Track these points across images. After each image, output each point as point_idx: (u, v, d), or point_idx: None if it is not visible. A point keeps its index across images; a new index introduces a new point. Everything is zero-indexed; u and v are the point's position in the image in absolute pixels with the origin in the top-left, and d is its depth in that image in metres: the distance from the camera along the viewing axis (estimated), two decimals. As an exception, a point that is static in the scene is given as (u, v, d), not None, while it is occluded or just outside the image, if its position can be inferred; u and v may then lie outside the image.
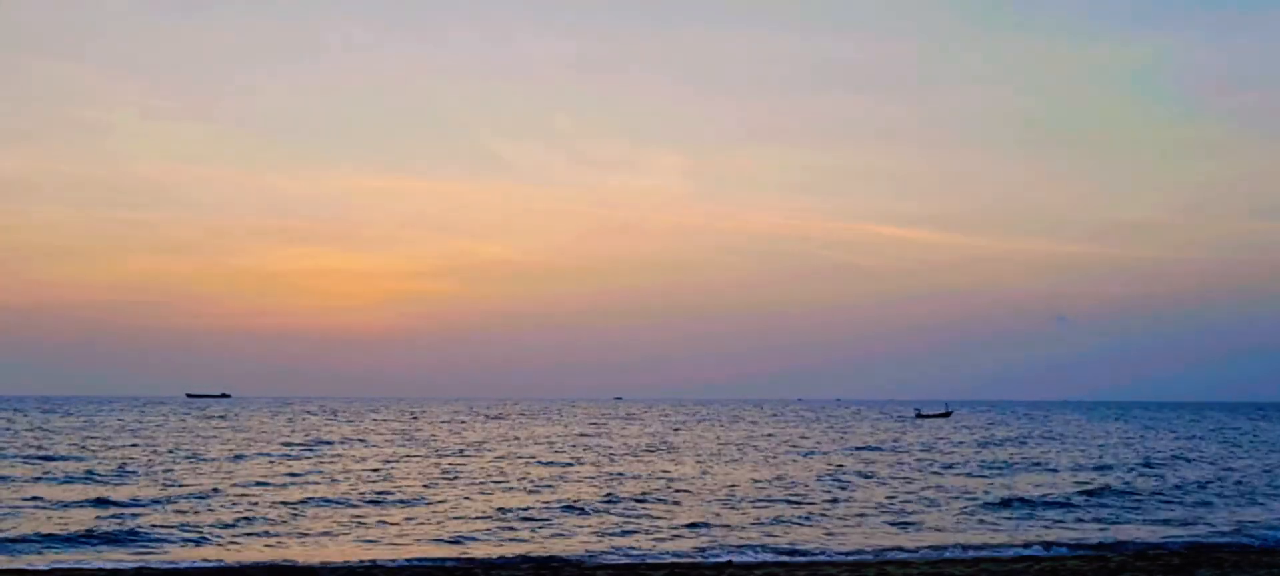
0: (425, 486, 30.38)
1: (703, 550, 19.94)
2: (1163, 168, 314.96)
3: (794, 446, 53.96)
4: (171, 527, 21.43)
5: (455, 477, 33.44)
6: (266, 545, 19.91)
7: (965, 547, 20.58)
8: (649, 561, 18.41)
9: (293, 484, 30.63)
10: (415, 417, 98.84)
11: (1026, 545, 20.98)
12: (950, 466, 40.05)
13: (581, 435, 65.37)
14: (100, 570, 16.87)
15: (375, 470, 35.98)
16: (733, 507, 26.10)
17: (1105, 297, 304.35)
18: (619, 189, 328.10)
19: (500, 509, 25.35)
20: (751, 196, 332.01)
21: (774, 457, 44.96)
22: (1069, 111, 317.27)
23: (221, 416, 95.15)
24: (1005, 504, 27.53)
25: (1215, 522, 25.05)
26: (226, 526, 21.78)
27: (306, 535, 21.05)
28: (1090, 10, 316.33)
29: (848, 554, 19.68)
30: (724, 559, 18.90)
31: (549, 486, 31.02)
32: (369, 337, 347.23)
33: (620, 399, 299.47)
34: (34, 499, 26.00)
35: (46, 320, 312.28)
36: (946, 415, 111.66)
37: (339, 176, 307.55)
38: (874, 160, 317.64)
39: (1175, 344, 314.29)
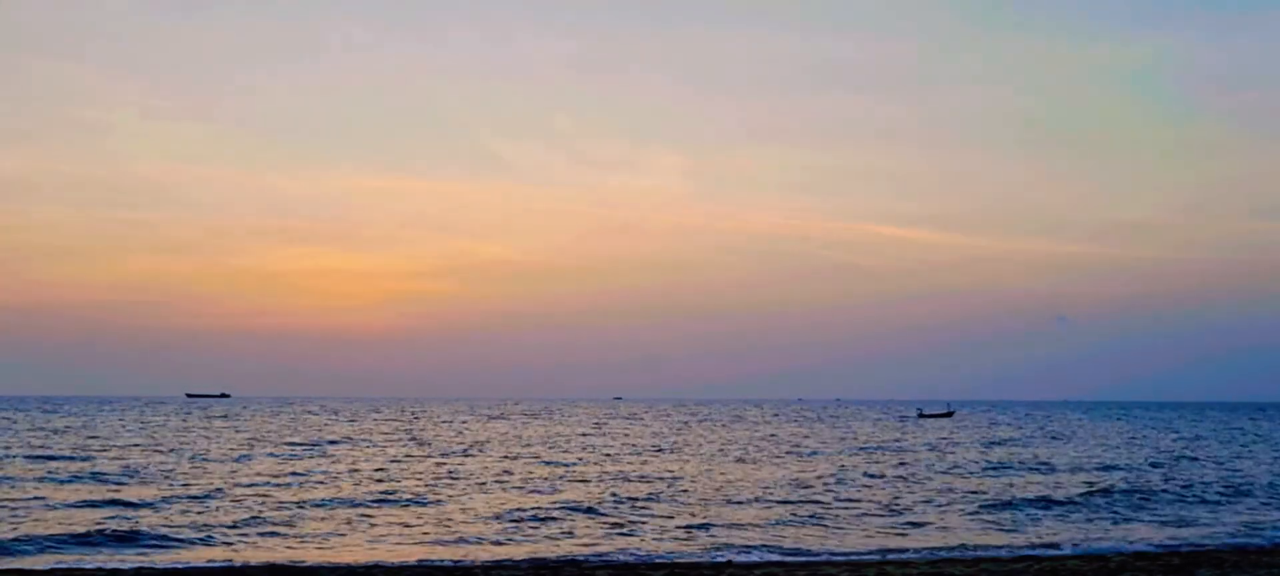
0: (427, 487, 30.41)
1: (703, 550, 19.96)
2: (1163, 168, 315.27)
3: (796, 446, 53.97)
4: (172, 528, 21.46)
5: (456, 478, 33.48)
6: (268, 545, 19.93)
7: (966, 548, 20.60)
8: (649, 561, 18.43)
9: (294, 484, 30.67)
10: (416, 418, 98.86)
11: (1032, 546, 20.98)
12: (954, 467, 40.04)
13: (582, 435, 65.39)
14: (100, 570, 16.89)
15: (376, 470, 36.00)
16: (733, 508, 26.13)
17: (1105, 298, 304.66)
18: (619, 189, 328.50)
19: (501, 509, 25.37)
20: (751, 196, 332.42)
21: (776, 458, 44.99)
22: (1069, 111, 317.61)
23: (222, 416, 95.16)
24: (1009, 504, 27.55)
25: (1218, 523, 25.09)
26: (227, 526, 21.81)
27: (308, 535, 21.07)
28: (1090, 10, 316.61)
29: (848, 554, 19.70)
30: (724, 559, 18.93)
31: (550, 487, 31.04)
32: (369, 337, 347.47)
33: (620, 399, 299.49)
34: (36, 499, 26.02)
35: (46, 320, 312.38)
36: (949, 415, 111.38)
37: (339, 176, 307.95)
38: (874, 160, 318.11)
39: (1175, 344, 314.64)
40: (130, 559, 18.26)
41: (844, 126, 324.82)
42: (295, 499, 26.71)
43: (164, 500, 25.96)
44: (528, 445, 53.16)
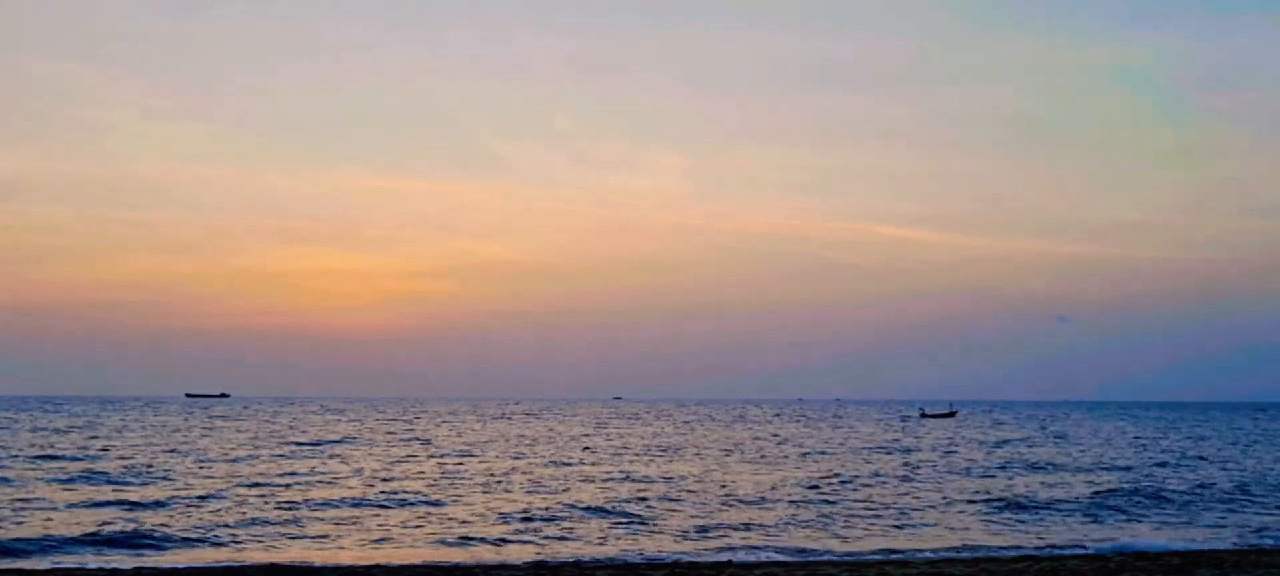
0: (427, 487, 30.42)
1: (703, 550, 19.98)
2: (1162, 167, 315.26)
3: (798, 447, 53.98)
4: (173, 528, 21.45)
5: (457, 478, 33.48)
6: (268, 546, 19.94)
7: (966, 548, 20.62)
8: (650, 561, 18.44)
9: (294, 484, 30.67)
10: (416, 418, 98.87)
11: (1034, 546, 21.00)
12: (958, 468, 40.01)
13: (583, 435, 65.40)
14: (100, 570, 16.90)
15: (376, 470, 36.01)
16: (734, 508, 26.14)
17: (1105, 298, 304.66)
18: (619, 189, 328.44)
19: (502, 510, 25.39)
20: (751, 196, 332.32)
21: (778, 458, 45.00)
22: (1069, 111, 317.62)
23: (222, 417, 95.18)
24: (1014, 505, 27.55)
25: (1222, 524, 25.11)
26: (227, 527, 21.81)
27: (308, 536, 21.08)
28: (1090, 10, 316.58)
29: (849, 554, 19.72)
30: (724, 558, 18.94)
31: (551, 487, 31.04)
32: (369, 337, 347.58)
33: (620, 399, 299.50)
34: (37, 499, 26.02)
35: (46, 320, 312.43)
36: (951, 415, 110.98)
37: (339, 176, 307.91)
38: (874, 160, 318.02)
39: (1175, 343, 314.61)
40: (128, 559, 18.27)
41: (844, 126, 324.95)
42: (296, 499, 26.72)
43: (164, 500, 25.95)
44: (528, 445, 53.16)
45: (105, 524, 21.83)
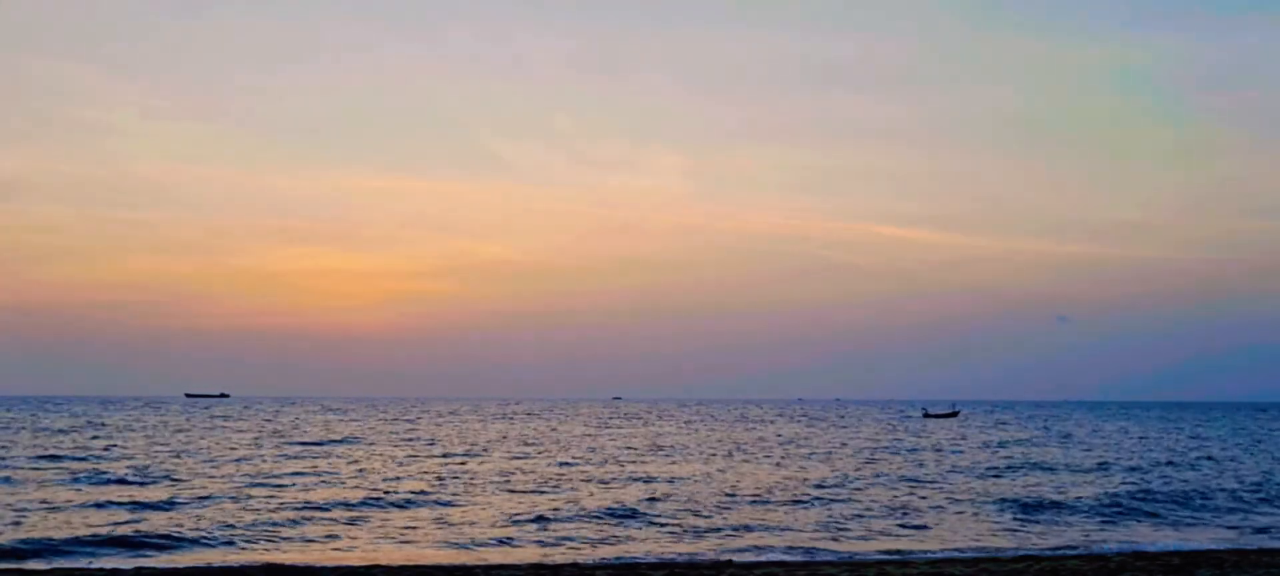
0: (429, 487, 30.40)
1: (703, 550, 19.96)
2: (1162, 167, 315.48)
3: (801, 447, 53.97)
4: (172, 528, 21.43)
5: (457, 479, 33.46)
6: (268, 545, 19.94)
7: (967, 548, 20.60)
8: (650, 561, 18.43)
9: (294, 485, 30.65)
10: (417, 418, 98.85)
11: (1040, 548, 20.96)
12: (962, 469, 39.94)
13: (584, 435, 65.38)
14: (100, 570, 16.90)
15: (376, 471, 36.00)
16: (734, 508, 26.12)
17: (1105, 297, 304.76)
18: (619, 189, 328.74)
19: (503, 510, 25.38)
20: (751, 196, 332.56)
21: (780, 459, 44.99)
22: (1069, 111, 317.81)
23: (223, 417, 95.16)
24: (1018, 506, 27.53)
25: (1228, 524, 25.10)
26: (227, 527, 21.79)
27: (308, 536, 21.07)
28: (1090, 10, 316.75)
29: (849, 554, 19.71)
30: (724, 558, 18.93)
31: (551, 487, 31.02)
32: (369, 337, 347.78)
33: (619, 399, 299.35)
34: (37, 499, 26.00)
35: (46, 320, 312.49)
36: (954, 415, 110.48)
37: (339, 176, 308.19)
38: (874, 160, 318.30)
39: (1176, 343, 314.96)
40: (132, 559, 18.26)
41: (844, 126, 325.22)
42: (295, 499, 26.70)
43: (166, 501, 25.93)
44: (529, 445, 53.15)
45: (106, 524, 21.82)
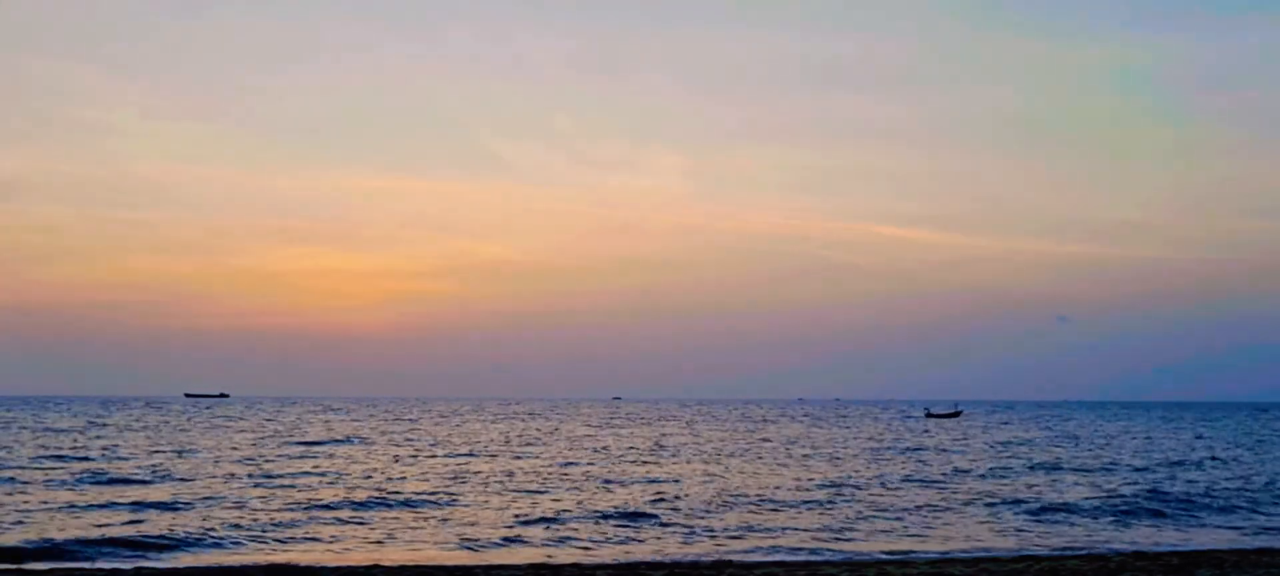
0: (427, 487, 30.38)
1: (703, 550, 19.95)
2: (1162, 168, 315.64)
3: (801, 447, 53.96)
4: (173, 528, 21.41)
5: (457, 479, 33.45)
6: (268, 546, 19.93)
7: (967, 549, 20.58)
8: (650, 562, 18.42)
9: (296, 485, 30.64)
10: (418, 418, 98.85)
11: (1057, 550, 20.91)
12: (964, 469, 39.86)
13: (584, 435, 65.37)
14: (100, 570, 16.89)
15: (376, 471, 36.00)
16: (734, 508, 26.10)
17: (1105, 298, 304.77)
18: (619, 189, 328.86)
19: (503, 510, 25.38)
20: (751, 196, 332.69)
21: (781, 459, 44.98)
22: (1069, 111, 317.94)
23: (224, 417, 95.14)
24: (1022, 506, 27.52)
25: (1228, 525, 25.08)
26: (228, 527, 21.78)
27: (309, 537, 21.06)
28: (1090, 10, 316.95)
29: (850, 554, 19.70)
30: (724, 558, 18.91)
31: (551, 487, 31.01)
32: (369, 337, 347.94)
33: (619, 399, 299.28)
34: (37, 499, 26.00)
35: (46, 320, 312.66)
36: (956, 415, 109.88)
37: (339, 176, 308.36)
38: (874, 160, 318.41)
39: (1176, 343, 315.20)
40: (132, 559, 18.26)
41: (844, 126, 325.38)
42: (297, 500, 26.69)
43: (165, 501, 25.91)
44: (530, 445, 53.13)
45: (107, 524, 21.82)
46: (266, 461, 39.74)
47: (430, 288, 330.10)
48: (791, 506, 26.67)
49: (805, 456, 46.06)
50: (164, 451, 44.77)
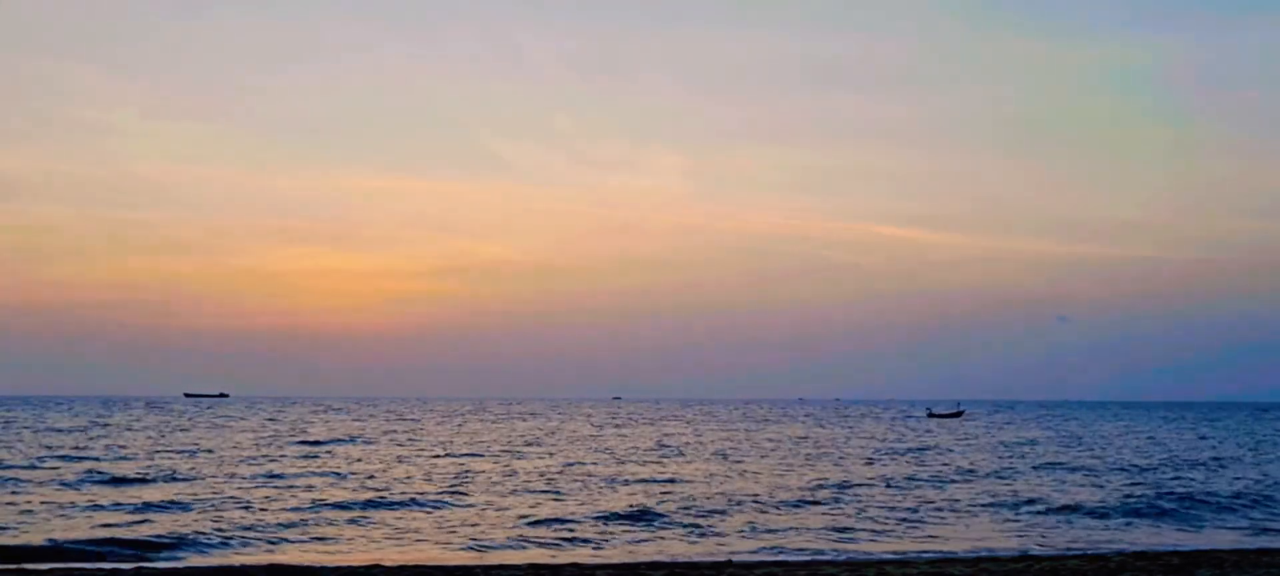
0: (427, 488, 30.39)
1: (704, 551, 19.96)
2: (1162, 167, 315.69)
3: (803, 447, 53.97)
4: (175, 528, 21.42)
5: (457, 479, 33.45)
6: (268, 546, 19.95)
7: (967, 549, 20.59)
8: (650, 562, 18.43)
9: (297, 485, 30.64)
10: (418, 418, 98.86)
11: (1057, 550, 20.94)
12: (966, 469, 39.81)
13: (584, 435, 65.38)
14: (100, 570, 16.90)
15: (376, 471, 36.01)
16: (735, 508, 26.10)
17: (1105, 297, 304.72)
18: (619, 189, 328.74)
19: (503, 510, 25.39)
20: (751, 196, 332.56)
21: (783, 459, 45.00)
22: (1069, 111, 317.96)
23: (224, 417, 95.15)
24: (1024, 507, 27.54)
25: (1232, 526, 25.10)
26: (229, 527, 21.79)
27: (310, 537, 21.08)
28: (1090, 10, 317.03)
29: (850, 554, 19.71)
30: (724, 558, 18.92)
31: (552, 487, 31.01)
32: (369, 337, 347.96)
33: (619, 398, 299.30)
34: (38, 499, 26.00)
35: (46, 320, 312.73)
36: (958, 415, 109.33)
37: (339, 176, 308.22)
38: (874, 160, 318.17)
39: (1176, 343, 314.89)
40: (133, 559, 18.27)
41: (844, 126, 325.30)
42: (298, 500, 26.70)
43: (167, 501, 25.92)
44: (531, 445, 53.15)
45: (109, 524, 21.83)
46: (268, 461, 39.75)
47: (430, 287, 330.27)
48: (794, 507, 26.67)
49: (807, 456, 46.07)
50: (165, 451, 44.78)
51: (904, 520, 24.54)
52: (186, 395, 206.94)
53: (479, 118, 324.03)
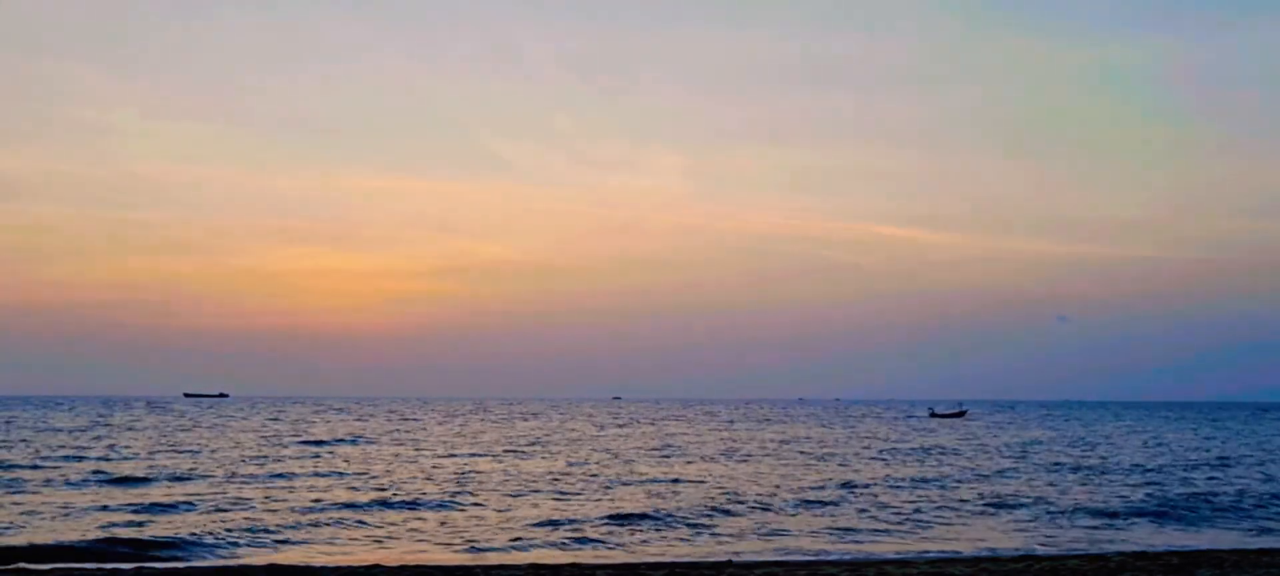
0: (429, 488, 30.40)
1: (704, 551, 19.98)
2: (1161, 167, 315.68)
3: (802, 447, 53.98)
4: (176, 528, 21.44)
5: (458, 479, 33.46)
6: (270, 546, 19.95)
7: (968, 549, 20.61)
8: (650, 561, 18.45)
9: (297, 485, 30.65)
10: (419, 418, 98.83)
11: (1058, 550, 20.95)
12: (968, 469, 39.84)
13: (586, 435, 65.38)
14: (100, 570, 16.91)
15: (376, 471, 36.01)
16: (735, 508, 26.12)
17: (1105, 297, 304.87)
18: (619, 189, 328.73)
19: (503, 510, 25.41)
20: (751, 196, 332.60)
21: (782, 458, 45.01)
22: (1069, 111, 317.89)
23: (225, 417, 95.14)
24: (1027, 507, 27.55)
25: (1233, 526, 25.09)
26: (230, 527, 21.80)
27: (311, 537, 21.09)
28: (1090, 10, 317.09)
29: (851, 554, 19.73)
30: (725, 558, 18.94)
31: (552, 487, 31.02)
32: (369, 337, 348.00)
33: (619, 398, 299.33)
34: (38, 499, 26.01)
35: (46, 320, 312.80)
36: (961, 415, 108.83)
37: (339, 176, 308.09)
38: (874, 160, 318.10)
39: (1175, 343, 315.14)
40: (133, 559, 18.28)
41: (844, 126, 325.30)
42: (298, 500, 26.71)
43: (167, 501, 25.94)
44: (532, 445, 53.16)
45: (109, 525, 21.83)
46: (269, 461, 39.76)
47: (430, 287, 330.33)
48: (793, 506, 26.69)
49: (809, 456, 46.08)
50: (166, 451, 44.80)
51: (906, 520, 24.55)
52: (186, 395, 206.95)
53: (479, 118, 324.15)
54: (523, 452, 47.27)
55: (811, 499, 28.32)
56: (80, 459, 39.58)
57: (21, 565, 17.65)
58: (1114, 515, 26.15)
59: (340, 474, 34.72)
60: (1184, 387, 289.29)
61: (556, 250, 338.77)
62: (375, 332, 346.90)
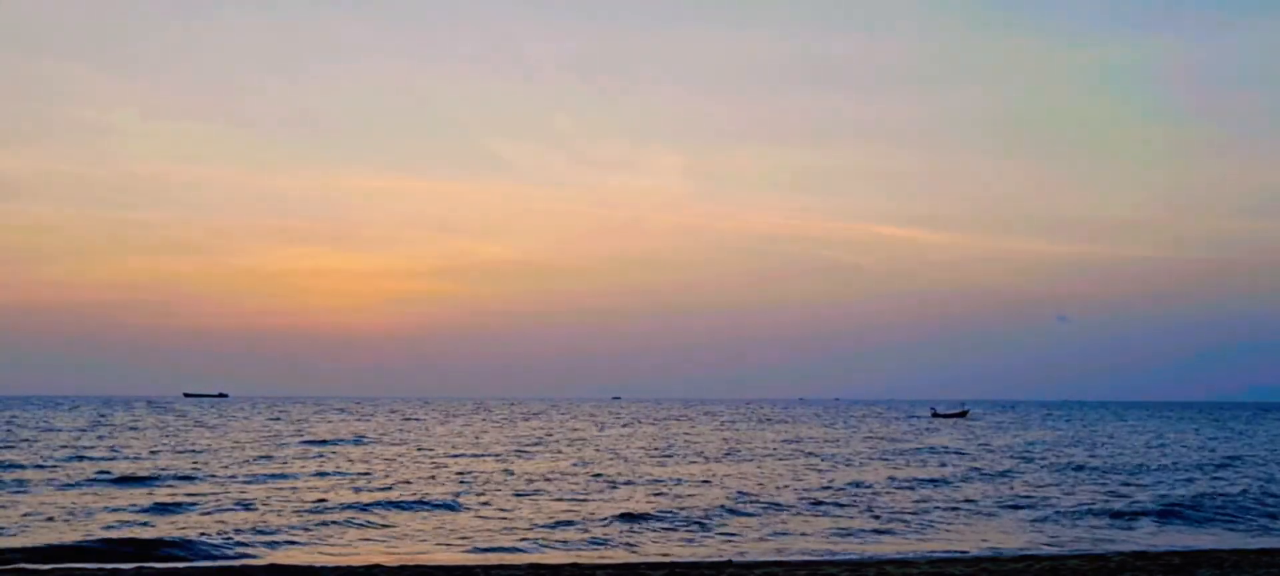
0: (430, 488, 30.43)
1: (705, 551, 19.97)
2: (1161, 167, 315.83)
3: (803, 447, 53.97)
4: (176, 528, 21.45)
5: (458, 479, 33.47)
6: (269, 546, 19.95)
7: (968, 549, 20.60)
8: (650, 561, 18.45)
9: (298, 485, 30.66)
10: (419, 418, 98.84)
11: (1058, 550, 20.95)
12: (970, 469, 39.78)
13: (586, 435, 65.38)
14: (100, 570, 16.92)
15: (376, 471, 36.02)
16: (736, 508, 26.12)
17: (1105, 297, 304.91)
18: (619, 189, 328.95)
19: (503, 509, 25.42)
20: (751, 196, 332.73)
21: (782, 459, 45.01)
22: (1068, 111, 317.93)
23: (226, 417, 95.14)
24: (1027, 507, 27.55)
25: (1235, 526, 25.09)
26: (230, 527, 21.81)
27: (311, 538, 21.09)
28: (1090, 10, 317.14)
29: (851, 554, 19.73)
30: (725, 558, 18.94)
31: (553, 487, 31.03)
32: (369, 337, 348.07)
33: (619, 398, 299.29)
34: (38, 499, 26.01)
35: (46, 320, 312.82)
36: (962, 415, 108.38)
37: (339, 176, 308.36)
38: (874, 160, 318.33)
39: (1175, 343, 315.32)
40: (134, 559, 18.28)
41: (844, 126, 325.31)
42: (299, 500, 26.72)
43: (168, 501, 25.94)
44: (532, 445, 53.16)
45: (109, 525, 21.85)
46: (270, 461, 39.77)
47: (430, 287, 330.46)
48: (793, 506, 26.68)
49: (807, 456, 46.08)
50: (167, 451, 44.80)
51: (907, 520, 24.54)
52: (186, 395, 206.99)
53: (479, 118, 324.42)
54: (526, 452, 47.27)
55: (813, 499, 28.30)
56: (81, 459, 39.58)
57: (23, 565, 17.66)
58: (1117, 515, 26.13)
59: (342, 474, 34.73)
60: (1184, 387, 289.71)
61: (556, 250, 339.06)
62: (375, 332, 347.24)
